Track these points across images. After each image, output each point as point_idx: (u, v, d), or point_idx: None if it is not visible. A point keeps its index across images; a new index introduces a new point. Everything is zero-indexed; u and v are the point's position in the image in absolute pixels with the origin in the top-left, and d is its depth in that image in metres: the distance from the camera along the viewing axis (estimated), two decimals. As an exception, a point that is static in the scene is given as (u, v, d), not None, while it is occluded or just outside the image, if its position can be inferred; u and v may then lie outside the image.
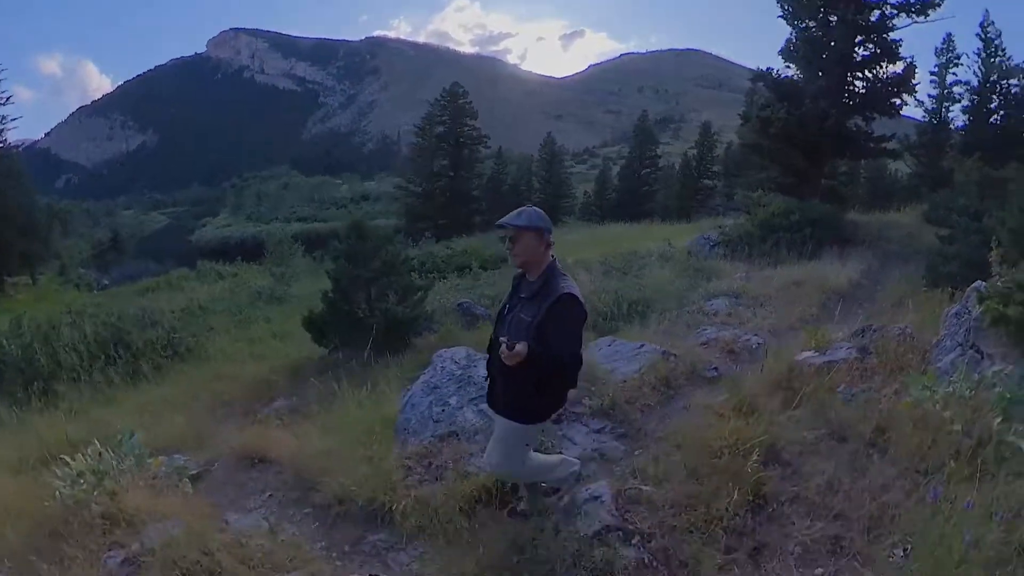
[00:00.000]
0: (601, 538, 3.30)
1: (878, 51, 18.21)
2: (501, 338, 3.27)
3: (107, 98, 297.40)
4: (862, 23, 17.86)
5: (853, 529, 3.11)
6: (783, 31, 19.79)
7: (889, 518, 3.12)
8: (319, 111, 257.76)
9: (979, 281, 6.04)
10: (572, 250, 16.16)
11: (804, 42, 18.74)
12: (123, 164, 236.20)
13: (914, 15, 17.73)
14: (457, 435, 4.72)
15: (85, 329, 11.83)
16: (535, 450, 3.86)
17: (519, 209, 3.54)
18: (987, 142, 21.12)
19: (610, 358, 5.56)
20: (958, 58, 27.15)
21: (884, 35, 18.07)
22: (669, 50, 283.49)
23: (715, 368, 5.56)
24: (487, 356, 3.80)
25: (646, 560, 3.18)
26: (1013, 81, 23.57)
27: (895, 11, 17.88)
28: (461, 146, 45.45)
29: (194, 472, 4.82)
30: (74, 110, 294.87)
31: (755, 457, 3.51)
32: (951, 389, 4.32)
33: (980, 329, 5.60)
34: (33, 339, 11.26)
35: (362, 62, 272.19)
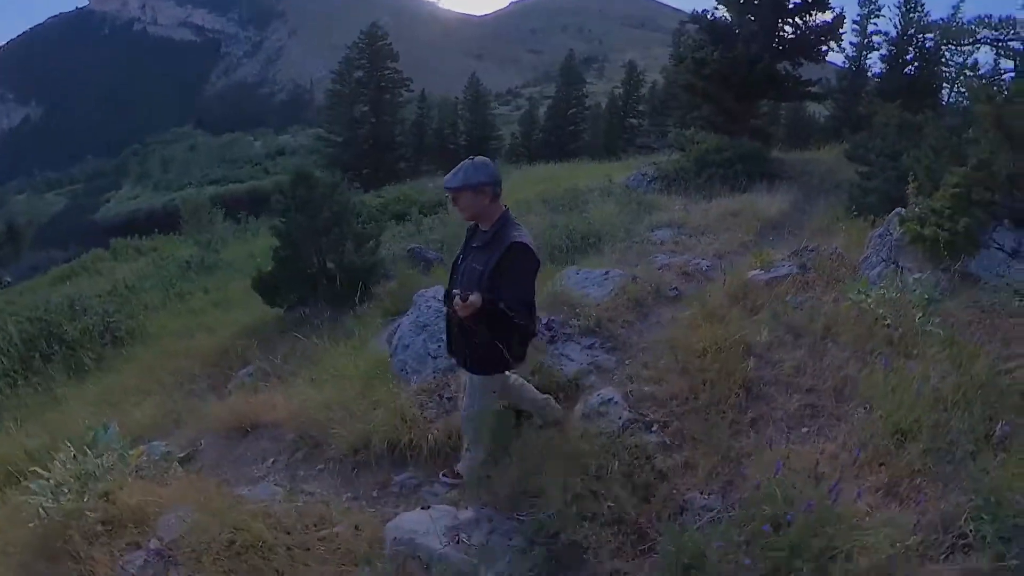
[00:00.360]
0: (626, 429, 3.68)
1: (809, 0, 18.73)
2: (455, 291, 3.33)
3: None
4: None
5: (823, 398, 3.82)
6: None
7: (850, 387, 3.82)
8: (222, 63, 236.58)
9: (899, 208, 6.85)
10: (509, 191, 15.77)
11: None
12: (6, 143, 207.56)
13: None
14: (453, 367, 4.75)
15: (8, 329, 10.72)
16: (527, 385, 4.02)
17: (457, 167, 3.53)
18: (901, 90, 22.27)
19: (580, 284, 5.96)
20: (879, 10, 28.33)
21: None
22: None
23: (675, 288, 6.12)
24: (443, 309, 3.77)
25: (667, 442, 3.62)
26: (928, 36, 24.50)
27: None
28: (382, 90, 43.62)
29: (181, 455, 4.61)
30: None
31: (735, 352, 4.07)
32: (882, 293, 5.05)
33: (900, 247, 6.41)
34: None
35: (267, 5, 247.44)
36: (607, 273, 6.12)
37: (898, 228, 6.39)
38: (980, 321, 4.87)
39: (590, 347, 4.86)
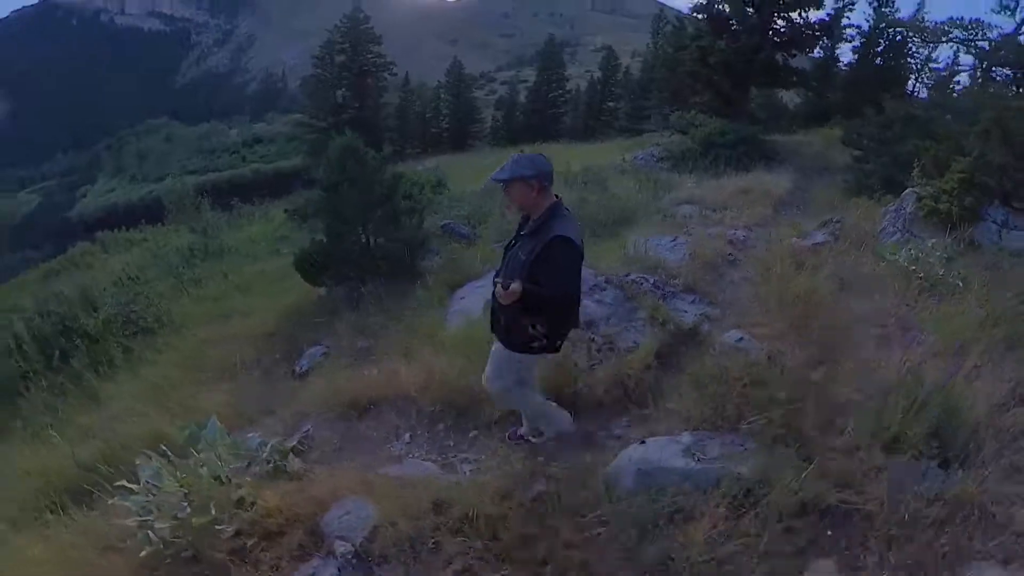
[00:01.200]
0: (770, 357, 4.11)
1: None
2: (495, 279, 3.41)
3: None
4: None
5: (888, 325, 4.70)
6: None
7: (904, 315, 4.82)
8: (193, 52, 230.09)
9: (910, 189, 7.93)
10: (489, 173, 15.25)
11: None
12: None
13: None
14: (588, 324, 4.91)
15: (16, 328, 9.74)
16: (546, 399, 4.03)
17: (507, 160, 3.61)
18: (870, 79, 23.33)
19: (656, 250, 6.51)
20: (853, 3, 29.44)
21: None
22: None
23: (731, 254, 6.89)
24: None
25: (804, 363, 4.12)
26: (899, 30, 25.34)
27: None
28: (365, 75, 42.89)
29: (292, 444, 4.10)
30: None
31: (813, 300, 4.89)
32: (912, 253, 6.10)
33: (915, 220, 7.43)
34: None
35: None
36: (675, 240, 6.80)
37: (914, 204, 7.40)
38: (985, 274, 5.92)
39: (693, 302, 5.42)
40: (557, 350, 3.76)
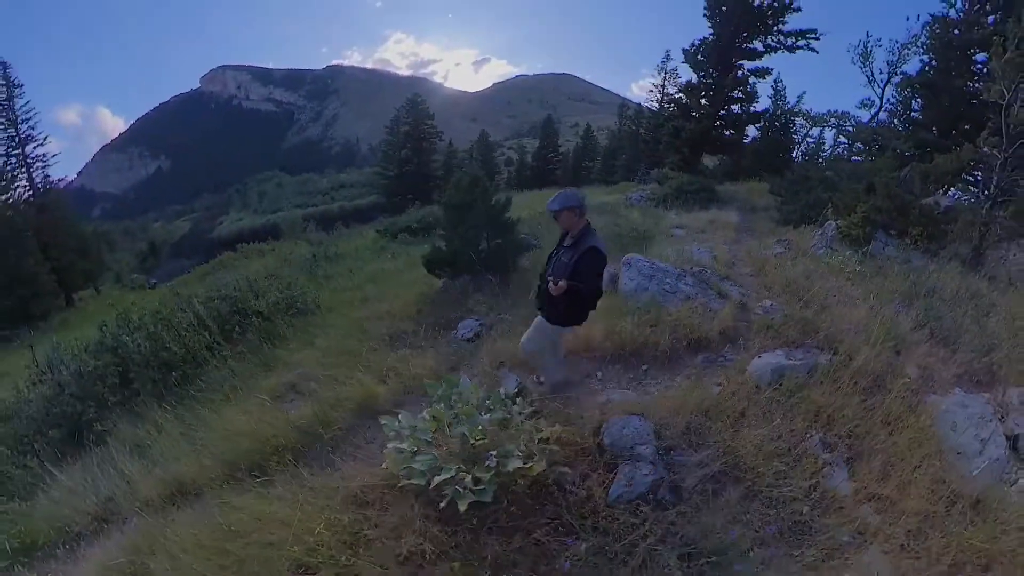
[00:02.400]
0: (785, 316, 4.65)
1: (743, 96, 21.07)
2: (548, 276, 3.38)
3: (123, 136, 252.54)
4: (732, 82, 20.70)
5: (841, 295, 5.40)
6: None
7: (848, 289, 5.60)
8: (294, 126, 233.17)
9: (831, 221, 8.92)
10: (526, 206, 13.32)
11: (699, 87, 21.29)
12: (145, 187, 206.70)
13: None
14: (686, 297, 5.10)
15: (197, 309, 7.99)
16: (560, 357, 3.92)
17: (556, 194, 3.52)
18: (769, 148, 23.85)
19: (692, 253, 6.91)
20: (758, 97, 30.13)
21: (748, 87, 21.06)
22: (549, 73, 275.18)
23: (734, 262, 7.59)
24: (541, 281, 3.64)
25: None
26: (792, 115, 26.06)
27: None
28: (421, 140, 43.62)
29: (514, 392, 3.47)
30: (98, 150, 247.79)
31: (794, 284, 5.67)
32: (837, 259, 7.03)
33: (835, 240, 8.26)
34: (158, 327, 7.60)
35: (325, 85, 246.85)
36: (698, 249, 7.46)
37: (834, 230, 8.17)
38: (879, 269, 6.66)
39: (731, 285, 5.80)
40: (580, 323, 3.68)
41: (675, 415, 3.11)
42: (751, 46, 20.63)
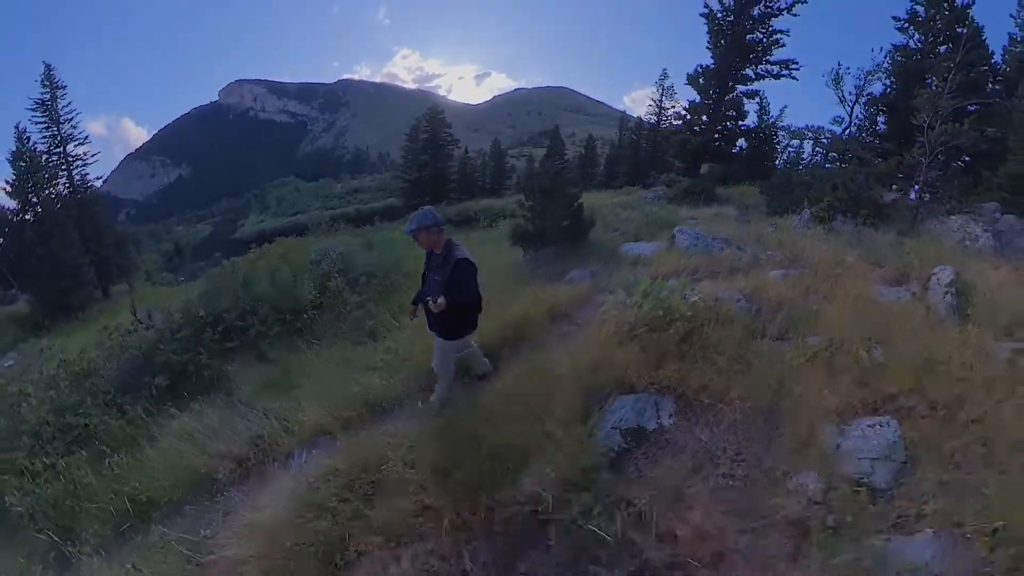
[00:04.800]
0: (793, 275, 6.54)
1: (736, 114, 23.48)
2: (427, 297, 3.17)
3: (146, 145, 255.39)
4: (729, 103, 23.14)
5: (830, 250, 8.23)
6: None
7: (819, 248, 8.47)
8: (308, 136, 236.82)
9: (807, 209, 11.68)
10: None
11: (701, 106, 23.63)
12: (167, 193, 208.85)
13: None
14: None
15: (322, 267, 8.00)
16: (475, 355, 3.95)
17: (413, 215, 3.39)
18: (755, 156, 25.58)
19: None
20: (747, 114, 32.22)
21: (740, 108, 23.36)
22: (547, 87, 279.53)
23: (741, 236, 10.47)
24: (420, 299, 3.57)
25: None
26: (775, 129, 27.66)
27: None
28: (439, 146, 45.12)
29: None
30: (122, 158, 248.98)
31: (787, 242, 8.60)
32: (814, 232, 9.88)
33: (810, 221, 10.93)
34: (331, 267, 7.92)
35: (336, 98, 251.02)
36: (713, 238, 9.93)
37: (809, 216, 10.77)
38: (836, 235, 8.97)
39: (745, 246, 7.93)
40: (475, 328, 3.64)
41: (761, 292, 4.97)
42: (744, 72, 23.15)
